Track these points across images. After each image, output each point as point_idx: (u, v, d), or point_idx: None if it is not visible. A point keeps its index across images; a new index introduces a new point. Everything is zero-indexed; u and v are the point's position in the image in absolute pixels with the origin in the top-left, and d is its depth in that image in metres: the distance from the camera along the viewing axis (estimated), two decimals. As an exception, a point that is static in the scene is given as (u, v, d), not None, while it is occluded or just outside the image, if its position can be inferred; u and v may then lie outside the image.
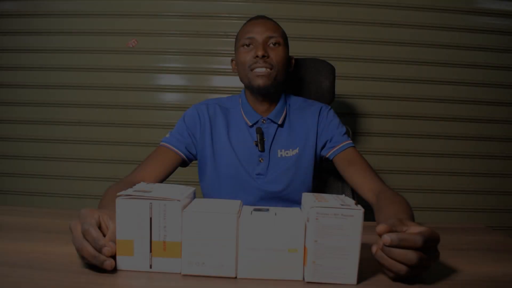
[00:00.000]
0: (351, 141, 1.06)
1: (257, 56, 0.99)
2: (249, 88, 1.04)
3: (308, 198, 0.59)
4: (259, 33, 1.01)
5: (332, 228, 0.54)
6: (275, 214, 0.58)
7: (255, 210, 0.60)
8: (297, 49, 1.66)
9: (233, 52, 1.11)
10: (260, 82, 1.00)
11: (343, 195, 0.64)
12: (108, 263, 0.54)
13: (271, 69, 1.00)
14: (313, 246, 0.55)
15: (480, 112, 1.81)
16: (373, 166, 1.03)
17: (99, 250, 0.54)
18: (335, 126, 1.08)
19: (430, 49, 1.78)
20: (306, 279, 0.56)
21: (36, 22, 1.79)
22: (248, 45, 1.02)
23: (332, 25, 1.77)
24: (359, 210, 0.54)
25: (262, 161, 1.05)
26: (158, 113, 1.81)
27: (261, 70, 1.00)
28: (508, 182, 1.85)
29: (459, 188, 1.84)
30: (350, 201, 0.58)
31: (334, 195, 0.63)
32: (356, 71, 1.78)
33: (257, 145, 1.04)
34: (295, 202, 1.06)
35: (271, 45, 1.02)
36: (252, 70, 1.01)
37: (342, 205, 0.55)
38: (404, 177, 1.83)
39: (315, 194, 0.63)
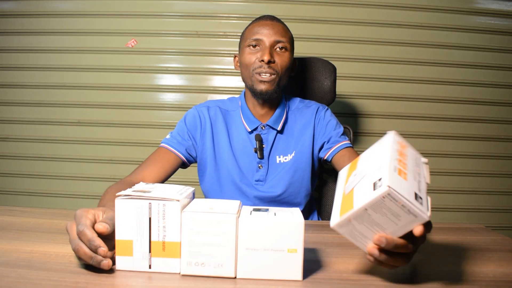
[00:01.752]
0: (348, 141, 1.05)
1: (262, 60, 0.97)
2: (251, 90, 1.03)
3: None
4: (267, 36, 0.99)
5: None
6: (275, 214, 0.58)
7: (255, 210, 0.60)
8: (297, 49, 1.65)
9: (233, 52, 1.11)
10: (263, 87, 0.99)
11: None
12: (105, 263, 0.54)
13: (275, 75, 0.99)
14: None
15: (480, 112, 1.81)
16: (373, 166, 1.02)
17: (95, 251, 0.54)
18: (332, 127, 1.07)
19: (430, 49, 1.78)
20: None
21: (36, 22, 1.79)
22: (254, 46, 1.00)
23: (332, 25, 1.77)
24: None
25: (261, 167, 1.04)
26: (158, 113, 1.81)
27: (265, 75, 0.98)
28: (508, 182, 1.85)
29: (459, 188, 1.84)
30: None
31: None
32: (356, 71, 1.78)
33: (256, 152, 1.03)
34: (295, 204, 1.06)
35: (278, 49, 1.00)
36: (256, 73, 0.99)
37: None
38: (404, 177, 1.83)
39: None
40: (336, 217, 0.55)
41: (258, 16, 1.07)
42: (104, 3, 1.78)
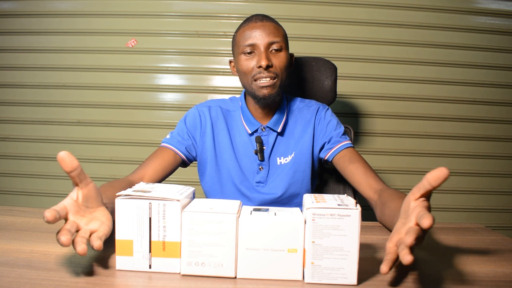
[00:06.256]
0: (349, 141, 1.04)
1: (260, 66, 0.96)
2: (253, 96, 1.01)
3: (307, 199, 0.59)
4: (260, 39, 0.96)
5: (329, 228, 0.54)
6: (275, 214, 0.58)
7: (255, 210, 0.60)
8: (297, 49, 1.66)
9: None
10: (265, 92, 0.97)
11: (345, 194, 0.64)
12: (80, 249, 0.52)
13: (275, 78, 0.97)
14: (311, 247, 0.55)
15: (480, 112, 1.81)
16: (374, 166, 1.02)
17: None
18: (332, 127, 1.06)
19: (430, 49, 1.78)
20: (306, 280, 0.56)
21: (36, 22, 1.79)
22: (249, 53, 0.98)
23: (333, 25, 1.77)
24: (356, 210, 0.54)
25: (262, 169, 1.04)
26: (158, 113, 1.81)
27: (265, 80, 0.97)
28: (508, 182, 1.85)
29: (459, 188, 1.84)
30: (350, 201, 0.58)
31: (335, 195, 0.62)
32: (357, 71, 1.78)
33: (256, 154, 1.03)
34: (295, 205, 1.06)
35: (273, 50, 0.98)
36: (255, 80, 0.98)
37: (339, 205, 0.55)
38: (405, 177, 1.83)
39: (315, 194, 0.63)
40: (304, 272, 0.56)
41: (247, 17, 1.04)
42: (104, 3, 1.78)
